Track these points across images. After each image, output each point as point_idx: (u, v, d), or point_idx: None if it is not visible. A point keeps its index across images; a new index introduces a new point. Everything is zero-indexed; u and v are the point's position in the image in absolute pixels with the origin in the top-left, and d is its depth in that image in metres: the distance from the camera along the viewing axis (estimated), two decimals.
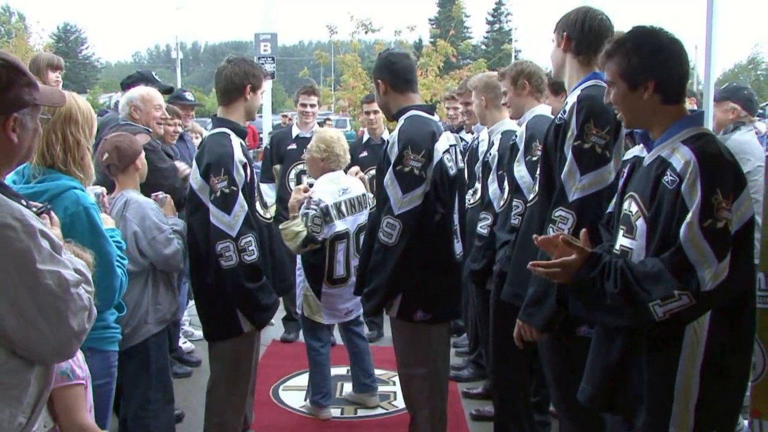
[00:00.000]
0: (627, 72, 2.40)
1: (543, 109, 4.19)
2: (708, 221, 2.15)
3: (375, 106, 6.34)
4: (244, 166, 3.61)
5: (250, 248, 3.54)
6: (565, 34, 3.17)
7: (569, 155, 2.93)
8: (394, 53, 3.82)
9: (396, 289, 3.50)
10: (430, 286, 3.52)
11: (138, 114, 4.63)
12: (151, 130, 4.59)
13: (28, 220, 1.77)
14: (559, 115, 3.12)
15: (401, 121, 3.59)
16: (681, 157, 2.26)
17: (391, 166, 3.45)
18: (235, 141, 3.66)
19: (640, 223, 2.35)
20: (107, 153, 3.68)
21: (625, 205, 2.46)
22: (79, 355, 2.45)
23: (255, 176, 3.80)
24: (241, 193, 3.55)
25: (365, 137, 6.62)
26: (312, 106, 6.48)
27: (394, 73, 3.66)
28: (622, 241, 2.44)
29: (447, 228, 3.60)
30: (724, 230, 2.16)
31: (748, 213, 2.25)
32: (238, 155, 3.60)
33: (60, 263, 1.83)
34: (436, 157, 3.49)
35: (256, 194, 3.77)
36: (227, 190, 3.52)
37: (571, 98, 3.07)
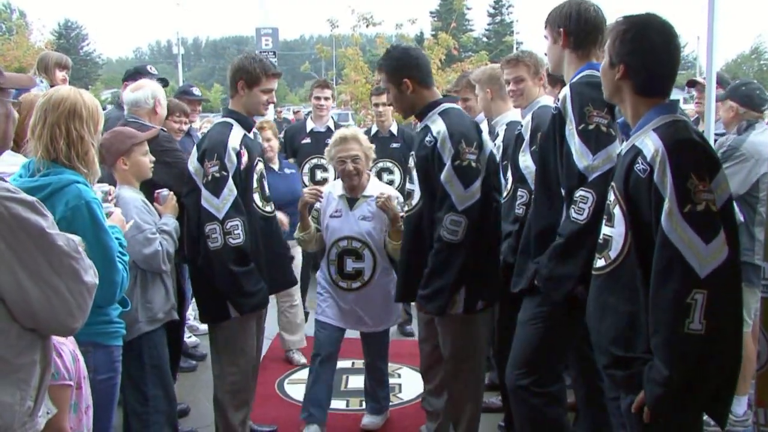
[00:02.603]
0: (610, 48, 2.48)
1: (548, 99, 4.17)
2: (687, 206, 2.17)
3: (384, 98, 6.36)
4: (239, 155, 3.69)
5: (236, 232, 3.62)
6: (561, 30, 3.16)
7: (576, 140, 2.95)
8: (409, 50, 3.82)
9: (461, 285, 3.52)
10: (489, 274, 3.60)
11: (158, 110, 4.51)
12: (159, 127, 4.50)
13: (24, 194, 1.85)
14: (554, 105, 3.15)
15: (437, 116, 3.60)
16: (651, 145, 2.29)
17: (449, 163, 3.45)
18: (236, 131, 3.77)
19: (617, 211, 2.39)
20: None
21: (609, 194, 2.50)
22: (67, 355, 2.45)
23: (257, 167, 3.85)
24: (231, 179, 3.65)
25: (373, 130, 6.57)
26: (326, 99, 6.50)
27: (420, 68, 3.67)
28: (604, 229, 2.49)
29: (499, 216, 3.69)
30: (707, 212, 2.17)
31: (725, 193, 2.27)
32: (233, 143, 3.69)
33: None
34: (487, 147, 3.61)
35: (255, 185, 3.83)
36: (218, 175, 3.64)
37: (566, 88, 3.10)
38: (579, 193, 2.91)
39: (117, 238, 2.93)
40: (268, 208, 3.94)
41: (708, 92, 4.83)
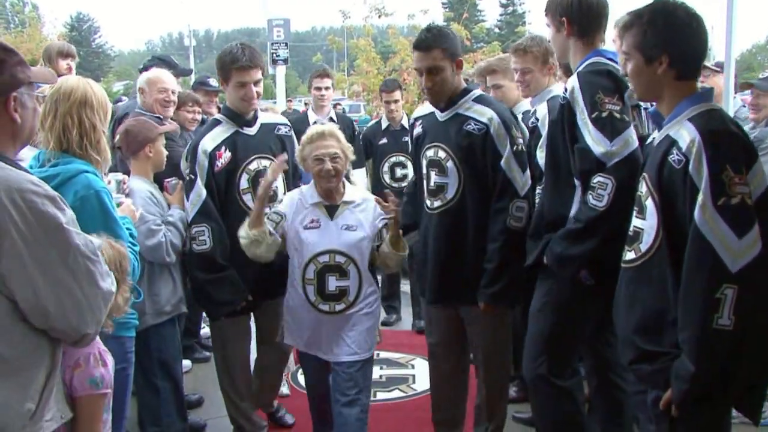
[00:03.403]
0: (642, 45, 2.37)
1: (560, 88, 4.10)
2: (722, 199, 2.11)
3: (396, 95, 6.31)
4: (214, 156, 3.62)
5: (201, 238, 3.58)
6: (564, 19, 3.12)
7: (590, 128, 2.91)
8: (447, 28, 3.67)
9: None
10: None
11: (143, 97, 4.59)
12: (162, 117, 4.48)
13: (47, 186, 1.83)
14: (563, 94, 3.10)
15: (478, 104, 3.53)
16: (687, 135, 2.22)
17: (508, 149, 3.42)
18: (218, 130, 3.70)
19: (649, 203, 2.33)
20: (119, 135, 3.71)
21: (640, 185, 2.44)
22: (111, 364, 2.39)
23: (249, 167, 3.71)
24: (200, 182, 3.60)
25: (384, 124, 6.48)
26: (326, 89, 6.33)
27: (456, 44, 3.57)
28: (634, 221, 2.43)
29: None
30: (741, 205, 2.12)
31: (761, 186, 2.22)
32: (205, 145, 3.63)
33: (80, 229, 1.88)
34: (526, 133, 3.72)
35: (246, 185, 3.70)
36: (188, 178, 3.65)
37: (573, 77, 3.06)
38: (597, 179, 2.88)
39: (128, 229, 2.93)
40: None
41: (726, 82, 4.78)
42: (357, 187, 4.00)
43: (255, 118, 3.83)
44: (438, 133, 3.58)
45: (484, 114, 3.46)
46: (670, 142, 2.28)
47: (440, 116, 3.59)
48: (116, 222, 2.80)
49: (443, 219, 3.55)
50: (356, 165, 6.25)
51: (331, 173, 3.50)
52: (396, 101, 6.27)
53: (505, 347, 3.72)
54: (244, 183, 3.69)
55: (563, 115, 3.06)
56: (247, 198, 3.67)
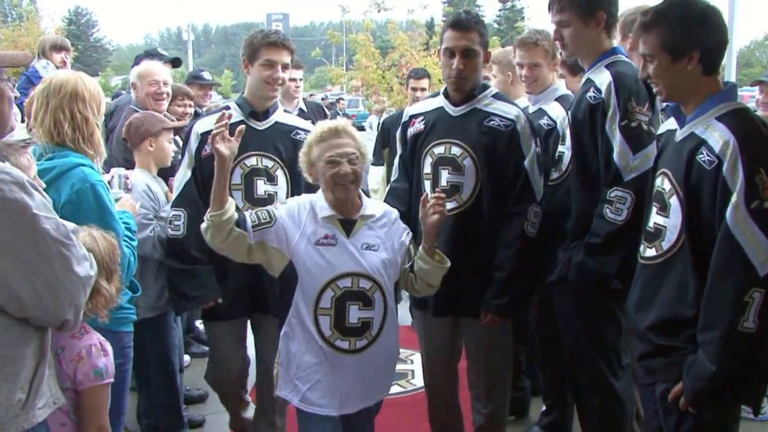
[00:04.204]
0: (671, 43, 2.34)
1: (563, 85, 4.04)
2: (755, 202, 2.12)
3: (423, 83, 6.09)
4: (204, 140, 3.30)
5: (176, 223, 3.37)
6: (602, 12, 2.99)
7: (618, 136, 2.85)
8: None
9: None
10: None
11: (136, 92, 4.56)
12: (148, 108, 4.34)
13: (16, 172, 1.77)
14: (592, 94, 2.96)
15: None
16: (719, 136, 2.21)
17: (533, 150, 3.21)
18: (208, 116, 3.54)
19: (674, 201, 2.33)
20: (125, 126, 3.72)
21: (658, 181, 2.44)
22: (109, 347, 2.42)
23: (244, 161, 3.37)
24: (185, 163, 3.43)
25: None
26: (300, 80, 5.88)
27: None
28: (655, 218, 2.43)
29: None
30: None
31: None
32: (199, 126, 3.44)
33: (54, 214, 1.82)
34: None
35: (238, 180, 3.36)
36: (180, 157, 3.54)
37: (602, 76, 2.96)
38: (615, 193, 2.84)
39: (125, 223, 2.91)
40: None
41: (728, 77, 4.77)
42: (373, 200, 3.25)
43: (268, 112, 3.51)
44: (451, 129, 3.27)
45: (510, 111, 3.25)
46: (699, 142, 2.27)
47: (453, 111, 3.31)
48: (112, 215, 2.78)
49: (458, 221, 3.21)
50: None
51: (350, 178, 2.85)
52: (423, 89, 6.05)
53: (510, 359, 3.51)
54: (236, 178, 3.32)
55: (593, 116, 2.94)
56: (237, 196, 3.26)
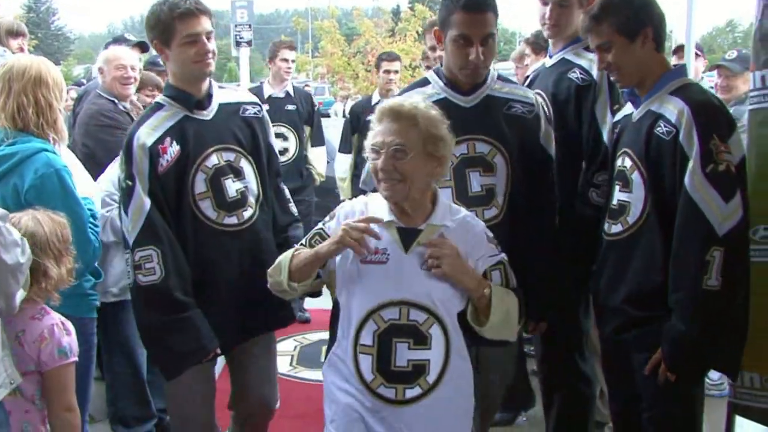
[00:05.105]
0: (625, 25, 2.44)
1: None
2: (710, 166, 2.24)
3: (396, 65, 5.98)
4: (156, 152, 2.66)
5: (148, 266, 2.60)
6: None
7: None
8: None
9: None
10: None
11: (103, 77, 4.49)
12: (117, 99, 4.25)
13: None
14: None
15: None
16: (674, 107, 2.34)
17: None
18: (159, 115, 2.75)
19: (636, 177, 2.44)
20: None
21: (619, 162, 2.55)
22: (71, 326, 2.42)
23: (206, 163, 2.75)
24: (140, 190, 2.63)
25: (375, 98, 5.82)
26: (293, 61, 6.03)
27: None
28: (619, 196, 2.53)
29: None
30: (727, 172, 2.26)
31: (740, 153, 2.36)
32: (143, 138, 2.67)
33: None
34: None
35: (204, 188, 2.73)
36: (124, 185, 2.68)
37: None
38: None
39: (89, 209, 2.89)
40: (229, 220, 2.77)
41: (687, 63, 4.86)
42: (450, 203, 2.50)
43: (209, 96, 2.83)
44: (467, 123, 2.68)
45: (526, 93, 2.82)
46: (656, 117, 2.39)
47: (464, 101, 2.76)
48: (76, 200, 2.76)
49: (495, 234, 2.47)
50: (316, 143, 5.97)
51: (393, 176, 2.23)
52: (396, 71, 5.94)
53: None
54: (200, 185, 2.72)
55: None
56: (205, 206, 2.73)
